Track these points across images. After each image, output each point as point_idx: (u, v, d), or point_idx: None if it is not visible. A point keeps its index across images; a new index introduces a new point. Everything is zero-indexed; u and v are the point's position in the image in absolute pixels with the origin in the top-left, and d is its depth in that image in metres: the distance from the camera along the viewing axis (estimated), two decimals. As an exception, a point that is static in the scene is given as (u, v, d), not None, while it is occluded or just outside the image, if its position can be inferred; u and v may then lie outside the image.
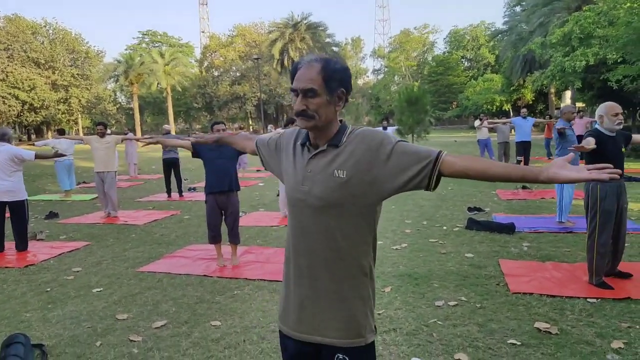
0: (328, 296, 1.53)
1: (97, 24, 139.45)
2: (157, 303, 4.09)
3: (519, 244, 5.52)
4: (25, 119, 42.30)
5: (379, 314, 3.66)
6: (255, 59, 43.67)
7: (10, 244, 6.09)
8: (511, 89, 39.91)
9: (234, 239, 5.19)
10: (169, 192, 10.39)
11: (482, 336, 3.24)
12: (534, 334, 3.23)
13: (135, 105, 48.40)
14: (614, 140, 4.00)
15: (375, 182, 1.46)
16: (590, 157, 3.96)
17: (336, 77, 1.49)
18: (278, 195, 8.36)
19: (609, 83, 16.90)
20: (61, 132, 11.15)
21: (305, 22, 46.07)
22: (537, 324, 3.36)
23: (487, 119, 15.85)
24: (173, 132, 22.75)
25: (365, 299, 1.55)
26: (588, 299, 3.78)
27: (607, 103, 4.11)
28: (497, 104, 41.56)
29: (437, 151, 1.44)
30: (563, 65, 17.87)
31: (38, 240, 6.67)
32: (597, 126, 4.11)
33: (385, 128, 14.07)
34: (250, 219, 7.66)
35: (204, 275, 4.80)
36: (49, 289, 4.55)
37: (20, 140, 44.94)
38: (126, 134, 17.52)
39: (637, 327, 3.27)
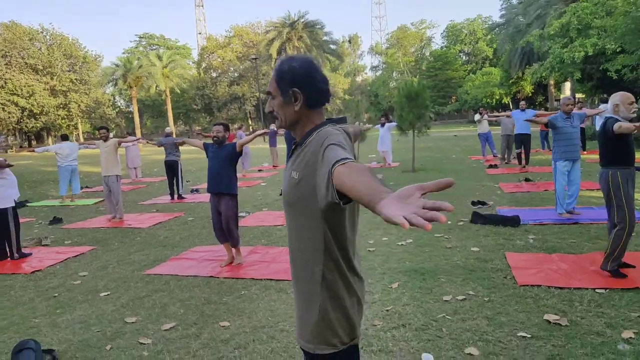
0: (298, 296, 1.58)
1: (94, 28, 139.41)
2: (165, 305, 4.09)
3: (524, 236, 5.51)
4: (25, 126, 42.35)
5: (387, 310, 3.66)
6: (253, 59, 43.71)
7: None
8: (510, 81, 39.88)
9: (231, 241, 5.18)
10: (172, 194, 10.39)
11: (492, 329, 3.24)
12: (543, 326, 3.23)
13: (134, 108, 48.43)
14: None
15: (316, 187, 1.35)
16: (614, 145, 3.97)
17: (285, 77, 1.49)
18: (280, 194, 8.36)
19: (608, 73, 16.89)
20: (64, 138, 11.17)
21: (302, 20, 46.06)
22: (546, 316, 3.35)
23: (487, 113, 15.85)
24: (173, 135, 22.74)
25: (313, 306, 1.49)
26: (596, 290, 3.77)
27: (621, 92, 4.15)
28: (497, 97, 41.52)
29: (338, 159, 1.22)
30: (562, 57, 17.86)
31: (43, 245, 6.68)
32: (609, 115, 4.10)
33: (382, 125, 14.05)
34: (254, 219, 7.66)
35: (211, 276, 4.81)
36: (56, 294, 4.56)
37: (21, 147, 45.05)
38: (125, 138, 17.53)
39: (647, 316, 3.27)
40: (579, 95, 27.77)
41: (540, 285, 3.94)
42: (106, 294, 4.49)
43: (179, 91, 51.02)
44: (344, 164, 1.18)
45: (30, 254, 6.07)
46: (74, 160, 10.68)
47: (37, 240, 6.81)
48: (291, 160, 1.54)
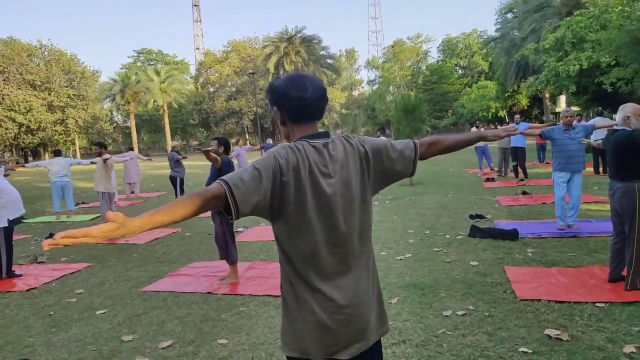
0: None
1: (92, 44, 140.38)
2: (162, 323, 4.05)
3: (523, 250, 5.50)
4: (22, 141, 42.41)
5: (387, 326, 3.62)
6: (251, 73, 43.90)
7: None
8: (506, 95, 40.18)
9: (226, 258, 5.14)
10: None
11: (493, 345, 3.21)
12: (544, 341, 3.20)
13: (132, 123, 48.60)
14: None
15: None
16: (633, 159, 3.91)
17: (269, 96, 1.63)
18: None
19: (603, 86, 17.05)
20: (57, 154, 11.12)
21: (299, 35, 46.51)
22: (547, 331, 3.33)
23: (483, 126, 15.94)
24: (169, 149, 22.66)
25: (283, 312, 1.64)
26: (596, 304, 3.75)
27: (631, 104, 4.07)
28: (493, 111, 41.81)
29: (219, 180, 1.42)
30: (557, 70, 18.03)
31: (39, 262, 6.62)
32: (620, 127, 4.08)
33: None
34: (252, 234, 7.63)
35: (209, 293, 4.76)
36: (52, 312, 4.50)
37: (17, 163, 44.93)
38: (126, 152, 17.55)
39: (648, 330, 3.25)
40: (574, 108, 27.98)
41: (540, 300, 3.91)
42: (102, 311, 4.44)
43: (176, 106, 51.23)
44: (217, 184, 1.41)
45: (20, 275, 5.94)
46: (64, 177, 10.56)
47: (33, 258, 6.75)
48: None
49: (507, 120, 43.20)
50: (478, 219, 7.39)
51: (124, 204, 12.53)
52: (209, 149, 4.95)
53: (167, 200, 12.47)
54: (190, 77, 61.94)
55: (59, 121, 43.12)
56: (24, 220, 10.86)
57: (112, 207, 8.22)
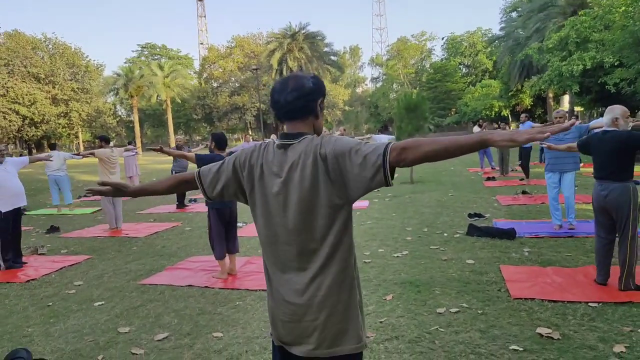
0: None
1: (96, 37, 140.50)
2: (159, 315, 4.09)
3: (519, 249, 5.52)
4: (26, 134, 42.48)
5: (380, 321, 3.66)
6: (254, 69, 43.96)
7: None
8: (509, 94, 40.01)
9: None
10: (179, 204, 10.54)
11: (485, 342, 3.24)
12: (536, 340, 3.23)
13: (135, 117, 48.59)
14: None
15: None
16: (633, 158, 3.97)
17: None
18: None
19: (606, 87, 17.00)
20: (52, 147, 11.20)
21: (303, 32, 46.35)
22: (539, 329, 3.35)
23: (486, 125, 15.92)
24: (173, 145, 22.80)
25: None
26: (589, 304, 3.77)
27: (618, 106, 4.11)
28: (496, 110, 41.65)
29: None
30: (560, 70, 17.98)
31: (39, 254, 6.68)
32: (608, 129, 4.10)
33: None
34: (251, 229, 7.66)
35: (206, 287, 4.80)
36: (50, 303, 4.56)
37: (21, 155, 45.09)
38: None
39: (639, 330, 3.27)
40: (577, 109, 27.89)
41: (534, 299, 3.94)
42: (100, 303, 4.49)
43: (179, 101, 51.22)
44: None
45: (24, 263, 6.04)
46: (58, 170, 10.59)
47: (34, 249, 6.81)
48: None
49: (510, 120, 43.08)
50: (476, 218, 7.41)
51: (125, 197, 12.58)
52: (162, 147, 5.16)
53: (167, 195, 12.50)
54: (194, 72, 61.93)
55: (62, 114, 43.17)
56: (26, 213, 10.93)
57: (114, 200, 8.17)
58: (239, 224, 7.86)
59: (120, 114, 60.14)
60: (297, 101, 1.61)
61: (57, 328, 3.92)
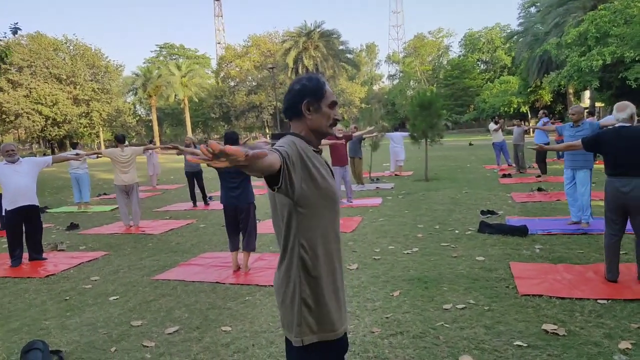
0: (341, 286, 1.84)
1: (116, 38, 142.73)
2: (171, 309, 4.19)
3: (531, 246, 5.48)
4: (49, 134, 43.55)
5: (386, 317, 3.70)
6: (271, 68, 44.18)
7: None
8: (528, 90, 39.44)
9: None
10: (194, 202, 10.56)
11: (489, 338, 3.25)
12: (541, 336, 3.23)
13: (153, 117, 49.31)
14: None
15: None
16: None
17: None
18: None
19: (627, 82, 16.65)
20: (74, 146, 11.49)
21: (318, 30, 46.39)
22: (544, 326, 3.35)
23: (503, 122, 15.76)
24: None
25: None
26: (598, 300, 3.75)
27: (629, 102, 4.10)
28: (515, 106, 41.08)
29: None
30: (579, 65, 17.68)
31: (59, 250, 6.87)
32: (623, 124, 4.08)
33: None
34: (262, 226, 7.73)
35: (217, 282, 4.90)
36: (67, 298, 4.70)
37: (44, 155, 46.21)
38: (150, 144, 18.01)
39: (648, 327, 3.24)
40: (598, 104, 27.30)
41: (542, 295, 3.93)
42: (115, 297, 4.62)
43: (197, 100, 51.82)
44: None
45: (38, 259, 6.26)
46: (77, 169, 10.86)
47: (53, 246, 7.01)
48: (323, 164, 1.77)
49: (530, 116, 42.43)
50: (489, 215, 7.37)
51: (143, 196, 12.82)
52: (177, 146, 5.24)
53: (183, 193, 12.69)
54: (211, 72, 62.52)
55: (83, 114, 44.13)
56: (47, 210, 11.24)
57: (134, 199, 8.22)
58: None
59: (139, 113, 61.12)
60: (285, 103, 1.77)
61: (73, 321, 4.06)
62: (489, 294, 4.07)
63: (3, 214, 6.18)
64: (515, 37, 41.96)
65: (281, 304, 1.77)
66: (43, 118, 41.18)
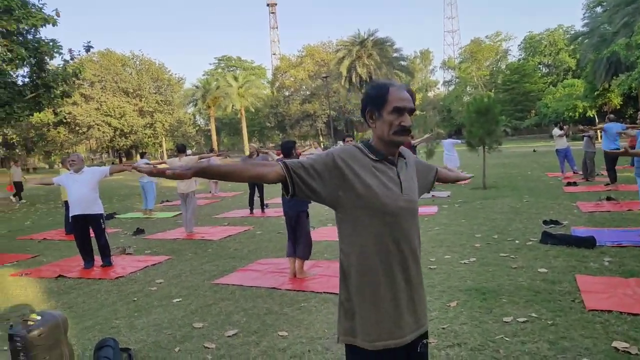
0: (420, 286, 1.78)
1: (177, 52, 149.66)
2: (230, 313, 4.34)
3: (599, 258, 5.19)
4: (117, 144, 46.29)
5: (442, 328, 3.64)
6: (324, 77, 44.61)
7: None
8: (595, 93, 37.34)
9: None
10: (251, 209, 10.84)
11: (553, 354, 3.11)
12: (610, 354, 3.06)
13: (212, 126, 51.18)
14: None
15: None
16: None
17: None
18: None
19: None
20: (142, 156, 12.20)
21: (371, 38, 46.42)
22: (615, 343, 3.17)
23: (568, 127, 15.03)
24: (247, 153, 23.78)
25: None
26: (675, 318, 3.50)
27: None
28: (580, 111, 39.04)
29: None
30: (652, 66, 16.54)
31: (127, 254, 7.29)
32: None
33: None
34: (318, 234, 7.83)
35: (273, 288, 5.01)
36: (135, 299, 4.98)
37: (113, 164, 49.14)
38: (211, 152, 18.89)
39: None
40: (675, 107, 25.40)
41: (611, 311, 3.71)
42: (178, 300, 4.84)
43: (253, 110, 53.25)
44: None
45: (108, 264, 6.60)
46: (142, 177, 11.53)
47: (122, 250, 7.45)
48: (406, 171, 1.78)
49: (597, 121, 40.12)
50: (552, 225, 7.04)
51: (202, 203, 13.32)
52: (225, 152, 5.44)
53: (241, 200, 13.07)
54: (267, 82, 64.07)
55: (148, 125, 46.55)
56: (116, 216, 11.94)
57: (189, 207, 8.62)
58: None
59: (199, 123, 63.61)
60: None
61: (140, 321, 4.30)
62: (552, 308, 3.90)
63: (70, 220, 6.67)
64: (580, 38, 39.95)
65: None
66: (112, 129, 43.87)
